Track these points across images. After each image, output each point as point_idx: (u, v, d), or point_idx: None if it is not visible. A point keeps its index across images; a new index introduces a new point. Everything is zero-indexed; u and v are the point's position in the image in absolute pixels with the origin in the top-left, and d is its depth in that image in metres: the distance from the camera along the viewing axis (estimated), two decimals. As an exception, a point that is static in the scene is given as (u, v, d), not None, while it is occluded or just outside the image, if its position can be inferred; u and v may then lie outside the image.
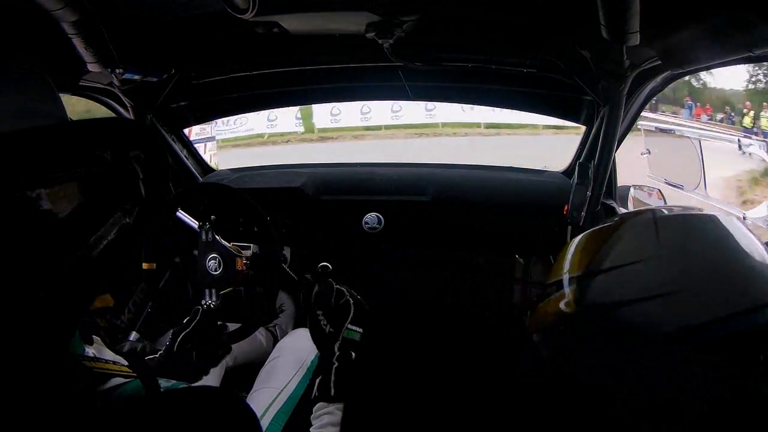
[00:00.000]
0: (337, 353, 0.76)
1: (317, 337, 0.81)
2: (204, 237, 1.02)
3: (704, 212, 0.53)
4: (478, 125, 9.49)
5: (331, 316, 0.80)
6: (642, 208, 0.59)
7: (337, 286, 0.85)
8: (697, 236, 0.49)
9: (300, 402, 0.97)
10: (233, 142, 9.62)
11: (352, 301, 0.81)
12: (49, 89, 0.43)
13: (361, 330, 0.79)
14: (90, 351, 0.63)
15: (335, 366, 0.75)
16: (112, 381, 0.50)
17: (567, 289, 0.52)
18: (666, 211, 0.54)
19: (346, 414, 0.69)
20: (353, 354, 0.76)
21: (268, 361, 1.12)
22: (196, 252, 1.02)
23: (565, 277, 0.54)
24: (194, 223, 1.10)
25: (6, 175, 0.32)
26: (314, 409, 0.74)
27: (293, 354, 1.07)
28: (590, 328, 0.48)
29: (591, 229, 0.56)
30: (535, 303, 0.62)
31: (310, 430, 0.73)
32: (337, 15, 1.09)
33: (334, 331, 0.78)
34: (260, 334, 1.32)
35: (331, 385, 0.73)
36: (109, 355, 0.70)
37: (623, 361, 0.45)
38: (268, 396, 0.99)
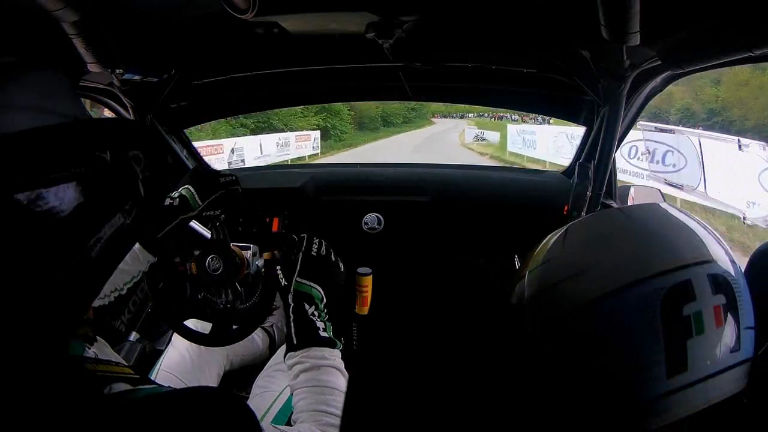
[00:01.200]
0: (291, 305, 0.80)
1: (277, 290, 0.87)
2: (215, 234, 1.01)
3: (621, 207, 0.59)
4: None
5: (286, 270, 0.85)
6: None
7: (301, 236, 0.90)
8: (600, 223, 0.56)
9: None
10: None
11: (301, 255, 0.85)
12: (68, 89, 0.43)
13: (314, 284, 0.83)
14: (91, 351, 0.62)
15: (291, 318, 0.79)
16: (118, 386, 0.49)
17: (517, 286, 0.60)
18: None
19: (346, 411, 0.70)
20: (306, 305, 0.81)
21: (266, 366, 1.12)
22: (196, 252, 1.02)
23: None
24: (194, 223, 1.10)
25: (5, 175, 0.32)
26: (286, 361, 0.78)
27: None
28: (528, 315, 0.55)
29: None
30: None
31: (289, 383, 0.77)
32: (337, 15, 1.09)
33: (288, 283, 0.83)
34: (257, 335, 1.31)
35: (293, 335, 0.78)
36: (111, 355, 0.69)
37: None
38: (267, 399, 0.99)
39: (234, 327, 1.00)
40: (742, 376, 0.47)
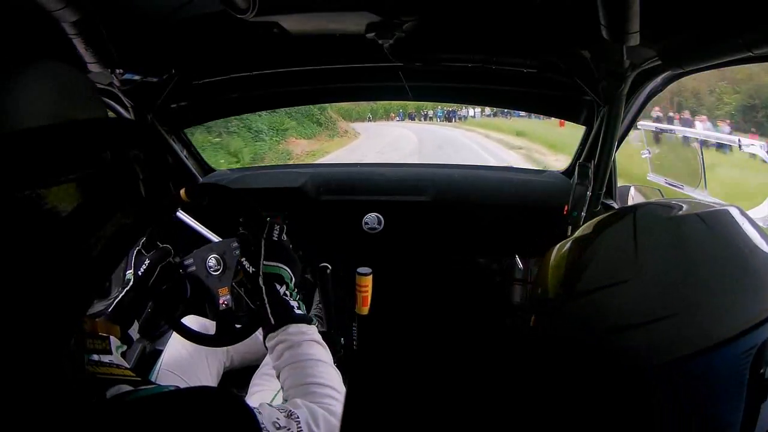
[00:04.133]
0: (264, 287, 0.81)
1: (249, 280, 0.89)
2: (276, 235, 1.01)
3: (701, 210, 0.45)
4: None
5: (250, 258, 0.88)
6: (623, 208, 0.51)
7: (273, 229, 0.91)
8: (683, 246, 0.43)
9: None
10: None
11: (263, 243, 0.86)
12: (91, 92, 0.43)
13: (280, 264, 0.85)
14: (94, 354, 0.62)
15: (266, 300, 0.80)
16: (120, 388, 0.49)
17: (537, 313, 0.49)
18: (649, 214, 0.47)
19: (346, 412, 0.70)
20: (276, 285, 0.82)
21: (263, 364, 1.12)
22: (196, 251, 1.02)
23: (538, 298, 0.50)
24: (195, 224, 1.10)
25: (5, 175, 0.32)
26: (267, 343, 0.80)
27: None
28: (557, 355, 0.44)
29: (567, 240, 0.51)
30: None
31: (272, 364, 0.78)
32: (337, 15, 1.09)
33: (255, 269, 0.84)
34: (259, 335, 1.31)
35: (269, 316, 0.79)
36: (114, 358, 0.69)
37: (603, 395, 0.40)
38: (265, 397, 0.99)
39: (236, 327, 1.00)
40: None
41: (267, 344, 0.80)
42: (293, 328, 0.78)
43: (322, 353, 0.76)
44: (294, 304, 0.82)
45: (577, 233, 0.51)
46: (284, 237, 0.90)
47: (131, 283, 0.96)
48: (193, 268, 0.99)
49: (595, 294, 0.43)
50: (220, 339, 1.01)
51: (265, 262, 0.84)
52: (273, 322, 0.79)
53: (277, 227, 0.90)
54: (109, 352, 0.67)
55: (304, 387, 0.69)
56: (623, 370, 0.40)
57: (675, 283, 0.41)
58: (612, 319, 0.41)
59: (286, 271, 0.85)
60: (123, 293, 0.94)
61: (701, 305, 0.39)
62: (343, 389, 0.71)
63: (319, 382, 0.69)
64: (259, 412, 0.55)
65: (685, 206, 0.47)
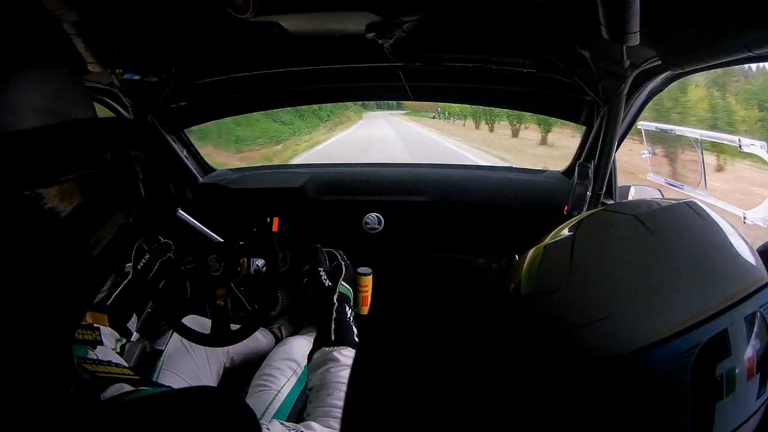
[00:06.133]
0: (336, 304, 0.87)
1: (318, 291, 0.94)
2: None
3: (643, 210, 0.46)
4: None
5: (330, 274, 0.96)
6: (593, 211, 0.53)
7: (328, 249, 1.04)
8: (607, 252, 0.44)
9: (296, 404, 0.98)
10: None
11: (343, 264, 0.98)
12: (82, 92, 0.43)
13: (350, 288, 0.95)
14: (93, 353, 0.62)
15: (334, 317, 0.85)
16: (120, 387, 0.49)
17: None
18: (593, 219, 0.49)
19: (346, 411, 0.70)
20: (346, 306, 0.89)
21: (263, 364, 1.12)
22: (196, 250, 1.02)
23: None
24: (195, 223, 1.10)
25: (5, 175, 0.32)
26: (315, 356, 0.82)
27: (288, 358, 1.08)
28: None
29: (540, 242, 0.52)
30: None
31: (311, 374, 0.80)
32: (337, 15, 1.08)
33: (332, 285, 0.92)
34: (261, 335, 1.31)
35: (331, 332, 0.83)
36: (112, 356, 0.69)
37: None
38: (266, 397, 0.99)
39: (232, 327, 1.00)
40: (761, 413, 0.42)
41: (316, 354, 0.81)
42: (348, 351, 0.80)
43: None
44: (355, 329, 0.85)
45: (548, 237, 0.52)
46: (347, 261, 1.01)
47: (130, 276, 0.96)
48: (192, 265, 0.99)
49: (546, 298, 0.46)
50: (220, 339, 1.01)
51: (342, 282, 0.92)
52: (333, 338, 0.81)
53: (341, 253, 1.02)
54: (100, 343, 0.67)
55: (330, 410, 0.70)
56: (576, 366, 0.42)
57: (600, 290, 0.42)
58: (566, 319, 0.43)
59: (352, 295, 0.93)
60: (121, 286, 0.94)
61: (626, 310, 0.40)
62: None
63: None
64: (268, 429, 0.55)
65: (638, 208, 0.47)
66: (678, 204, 0.47)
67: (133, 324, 0.99)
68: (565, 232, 0.50)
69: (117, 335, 0.89)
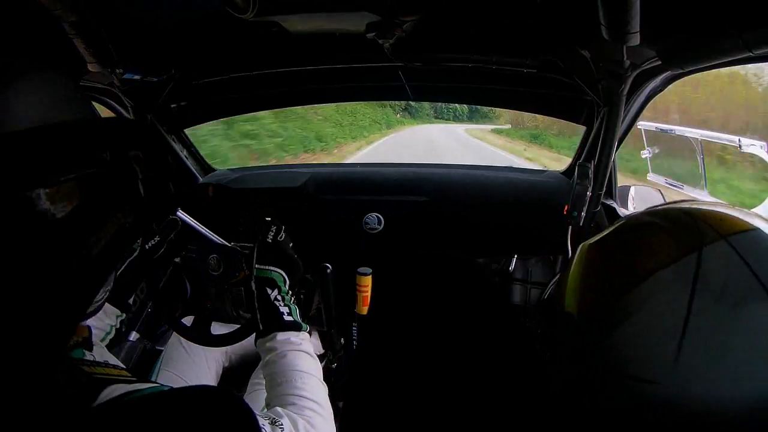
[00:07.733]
0: (255, 292, 0.81)
1: (245, 290, 0.89)
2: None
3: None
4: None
5: (246, 262, 0.87)
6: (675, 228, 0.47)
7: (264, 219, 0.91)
8: None
9: None
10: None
11: (256, 246, 0.86)
12: (80, 97, 0.42)
13: (278, 270, 0.84)
14: (89, 355, 0.62)
15: (256, 305, 0.80)
16: (116, 388, 0.49)
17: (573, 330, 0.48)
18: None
19: (345, 411, 0.70)
20: (268, 289, 0.82)
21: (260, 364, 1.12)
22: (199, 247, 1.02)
23: (573, 313, 0.49)
24: (195, 223, 1.09)
25: (6, 175, 0.32)
26: (257, 348, 0.80)
27: None
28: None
29: (604, 255, 0.50)
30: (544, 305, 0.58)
31: (261, 369, 0.78)
32: (337, 15, 1.08)
33: (249, 272, 0.84)
34: None
35: (258, 321, 0.79)
36: (109, 357, 0.69)
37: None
38: (263, 395, 0.99)
39: (236, 327, 1.00)
40: None
41: (258, 348, 0.80)
42: (281, 335, 0.77)
43: (308, 364, 0.75)
44: (284, 309, 0.81)
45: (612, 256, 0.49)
46: (282, 237, 0.89)
47: (136, 253, 0.95)
48: (194, 254, 0.99)
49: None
50: (221, 339, 1.01)
51: (257, 266, 0.83)
52: (261, 327, 0.79)
53: (273, 228, 0.89)
54: (89, 347, 0.67)
55: (286, 398, 0.69)
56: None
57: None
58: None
59: (279, 275, 0.84)
60: (126, 262, 0.94)
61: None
62: (325, 402, 0.70)
63: (301, 394, 0.69)
64: (263, 426, 0.55)
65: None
66: None
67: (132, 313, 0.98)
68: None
69: (118, 311, 0.89)
